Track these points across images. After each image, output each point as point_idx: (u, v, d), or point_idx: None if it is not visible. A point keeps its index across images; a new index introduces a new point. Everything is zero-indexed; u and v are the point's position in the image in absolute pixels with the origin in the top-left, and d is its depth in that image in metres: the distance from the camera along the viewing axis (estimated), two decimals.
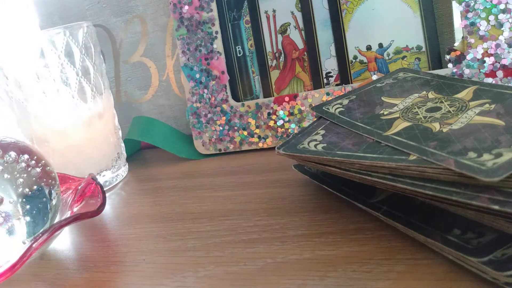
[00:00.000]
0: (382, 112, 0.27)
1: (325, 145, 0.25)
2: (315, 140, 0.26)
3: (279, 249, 0.23)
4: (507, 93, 0.24)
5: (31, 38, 0.35)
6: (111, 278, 0.24)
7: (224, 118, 0.41)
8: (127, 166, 0.43)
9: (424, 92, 0.27)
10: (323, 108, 0.30)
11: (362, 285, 0.19)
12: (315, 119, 0.32)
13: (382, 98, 0.29)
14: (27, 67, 0.35)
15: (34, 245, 0.23)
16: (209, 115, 0.41)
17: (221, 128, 0.41)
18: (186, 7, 0.40)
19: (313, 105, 0.37)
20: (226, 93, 0.41)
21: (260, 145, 0.40)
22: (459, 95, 0.25)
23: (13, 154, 0.26)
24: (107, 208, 0.34)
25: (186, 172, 0.39)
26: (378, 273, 0.20)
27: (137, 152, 0.49)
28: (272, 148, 0.40)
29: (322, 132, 0.27)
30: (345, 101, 0.30)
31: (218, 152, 0.42)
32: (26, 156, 0.27)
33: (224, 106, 0.41)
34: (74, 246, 0.29)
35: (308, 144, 0.26)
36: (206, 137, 0.42)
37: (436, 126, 0.22)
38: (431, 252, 0.20)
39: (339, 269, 0.21)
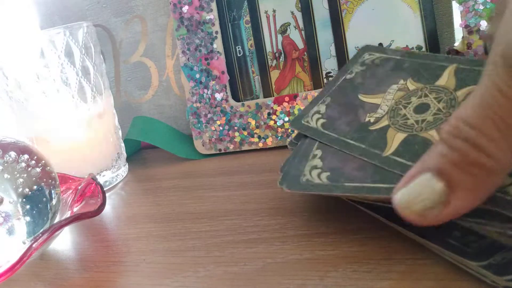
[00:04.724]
0: (368, 119, 0.25)
1: (328, 174, 0.23)
2: (316, 167, 0.24)
3: (279, 249, 0.23)
4: None
5: (31, 38, 0.35)
6: (111, 278, 0.24)
7: (224, 118, 0.41)
8: (127, 166, 0.43)
9: (402, 82, 0.25)
10: (303, 122, 0.27)
11: (362, 285, 0.19)
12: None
13: (360, 97, 0.26)
14: (27, 67, 0.35)
15: (34, 245, 0.23)
16: (209, 115, 0.41)
17: (221, 128, 0.41)
18: (186, 7, 0.40)
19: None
20: (226, 93, 0.41)
21: (260, 145, 0.40)
22: (441, 82, 0.23)
23: (13, 154, 0.26)
24: (107, 208, 0.34)
25: (186, 172, 0.39)
26: (378, 273, 0.20)
27: (137, 152, 0.49)
28: (272, 148, 0.40)
29: (319, 153, 0.25)
30: (322, 108, 0.27)
31: (218, 152, 0.42)
32: (26, 156, 0.27)
33: (224, 106, 0.41)
34: (74, 246, 0.29)
35: (311, 173, 0.23)
36: (206, 137, 0.42)
37: (434, 136, 0.21)
38: (431, 252, 0.20)
39: (339, 269, 0.20)
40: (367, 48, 0.30)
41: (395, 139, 0.22)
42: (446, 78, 0.23)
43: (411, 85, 0.24)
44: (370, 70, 0.27)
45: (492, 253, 0.17)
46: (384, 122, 0.24)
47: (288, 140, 0.26)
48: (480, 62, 0.23)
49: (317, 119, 0.26)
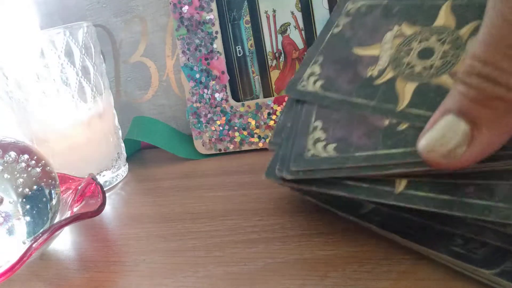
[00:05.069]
0: (370, 74, 0.22)
1: (335, 145, 0.21)
2: (319, 139, 0.22)
3: (279, 249, 0.23)
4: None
5: (31, 38, 0.35)
6: (111, 278, 0.24)
7: (224, 118, 0.41)
8: (127, 166, 0.43)
9: (397, 27, 0.23)
10: (298, 88, 0.25)
11: (362, 285, 0.19)
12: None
13: (354, 51, 0.24)
14: (27, 67, 0.35)
15: (34, 245, 0.23)
16: (209, 115, 0.41)
17: (221, 128, 0.41)
18: (186, 7, 0.40)
19: None
20: (226, 93, 0.41)
21: (260, 145, 0.40)
22: (439, 22, 0.21)
23: (13, 154, 0.26)
24: (107, 208, 0.34)
25: (186, 172, 0.39)
26: (378, 273, 0.20)
27: (137, 152, 0.49)
28: None
29: (319, 124, 0.22)
30: (316, 68, 0.25)
31: (218, 152, 0.42)
32: (26, 156, 0.27)
33: (224, 106, 0.41)
34: (74, 246, 0.29)
35: (315, 146, 0.22)
36: (206, 137, 0.42)
37: (448, 81, 0.19)
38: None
39: (339, 269, 0.20)
40: None
41: (406, 90, 0.20)
42: (444, 17, 0.21)
43: (408, 29, 0.23)
44: (358, 19, 0.25)
45: (500, 259, 0.17)
46: (389, 74, 0.22)
47: (268, 140, 0.24)
48: None
49: (315, 81, 0.24)
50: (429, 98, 0.20)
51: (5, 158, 0.26)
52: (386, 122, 0.20)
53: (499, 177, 0.17)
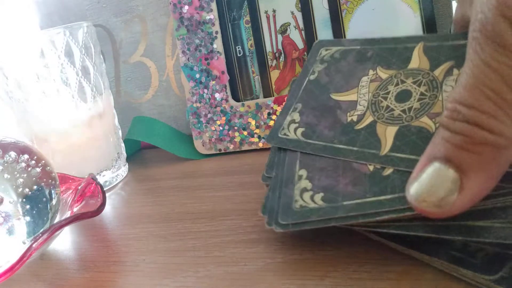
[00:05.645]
0: (350, 119, 0.22)
1: (322, 194, 0.21)
2: (306, 189, 0.21)
3: (279, 249, 0.23)
4: (460, 44, 0.21)
5: (31, 38, 0.35)
6: (111, 278, 0.24)
7: (224, 118, 0.41)
8: (127, 166, 0.43)
9: (372, 72, 0.23)
10: (280, 135, 0.25)
11: (362, 285, 0.19)
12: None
13: (332, 96, 0.24)
14: (27, 67, 0.35)
15: (34, 245, 0.23)
16: (209, 115, 0.41)
17: (221, 128, 0.41)
18: (186, 7, 0.40)
19: None
20: (226, 93, 0.41)
21: (260, 145, 0.40)
22: (414, 65, 0.22)
23: (13, 154, 0.26)
24: (107, 208, 0.34)
25: (186, 172, 0.39)
26: (378, 273, 0.20)
27: (137, 152, 0.49)
28: None
29: (304, 173, 0.22)
30: (296, 116, 0.25)
31: (218, 152, 0.42)
32: (26, 156, 0.27)
33: (224, 106, 0.41)
34: (74, 246, 0.29)
35: (302, 197, 0.21)
36: (206, 137, 0.42)
37: (428, 123, 0.20)
38: None
39: (339, 269, 0.20)
40: (320, 44, 0.27)
41: (388, 134, 0.21)
42: (418, 60, 0.22)
43: (383, 73, 0.23)
44: (333, 66, 0.25)
45: (498, 265, 0.17)
46: (369, 119, 0.22)
47: (262, 174, 0.24)
48: (446, 36, 0.22)
49: (295, 129, 0.24)
50: (412, 141, 0.20)
51: (5, 158, 0.26)
52: (371, 167, 0.20)
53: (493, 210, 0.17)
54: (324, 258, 0.22)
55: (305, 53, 0.40)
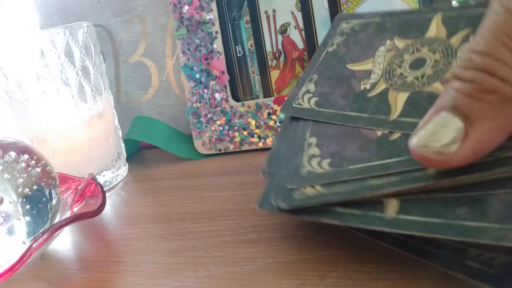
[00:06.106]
0: (363, 87, 0.23)
1: (329, 160, 0.21)
2: (314, 155, 0.21)
3: (279, 249, 0.23)
4: (479, 13, 0.20)
5: (31, 38, 0.35)
6: (111, 278, 0.24)
7: (224, 118, 0.41)
8: (127, 166, 0.43)
9: (389, 42, 0.23)
10: (293, 105, 0.25)
11: (362, 285, 0.19)
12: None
13: (348, 66, 0.24)
14: (27, 67, 0.35)
15: (34, 245, 0.23)
16: (209, 115, 0.41)
17: (221, 128, 0.41)
18: (186, 7, 0.40)
19: None
20: (226, 93, 0.41)
21: (260, 145, 0.40)
22: (431, 34, 0.22)
23: (13, 154, 0.26)
24: (107, 208, 0.34)
25: (186, 172, 0.39)
26: (378, 273, 0.20)
27: (137, 152, 0.49)
28: None
29: (314, 140, 0.22)
30: (311, 86, 0.25)
31: (218, 152, 0.42)
32: (26, 156, 0.27)
33: (224, 106, 0.41)
34: (74, 246, 0.29)
35: (310, 163, 0.21)
36: (206, 137, 0.42)
37: (440, 88, 0.19)
38: None
39: (339, 269, 0.21)
40: (342, 17, 0.27)
41: (398, 100, 0.20)
42: (435, 29, 0.22)
43: (399, 43, 0.23)
44: (352, 37, 0.25)
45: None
46: (382, 86, 0.22)
47: (262, 170, 0.24)
48: (466, 6, 0.22)
49: (309, 99, 0.24)
50: (422, 106, 0.19)
51: (5, 158, 0.26)
52: (379, 133, 0.20)
53: (490, 199, 0.16)
54: (324, 258, 0.22)
55: (305, 53, 0.40)
